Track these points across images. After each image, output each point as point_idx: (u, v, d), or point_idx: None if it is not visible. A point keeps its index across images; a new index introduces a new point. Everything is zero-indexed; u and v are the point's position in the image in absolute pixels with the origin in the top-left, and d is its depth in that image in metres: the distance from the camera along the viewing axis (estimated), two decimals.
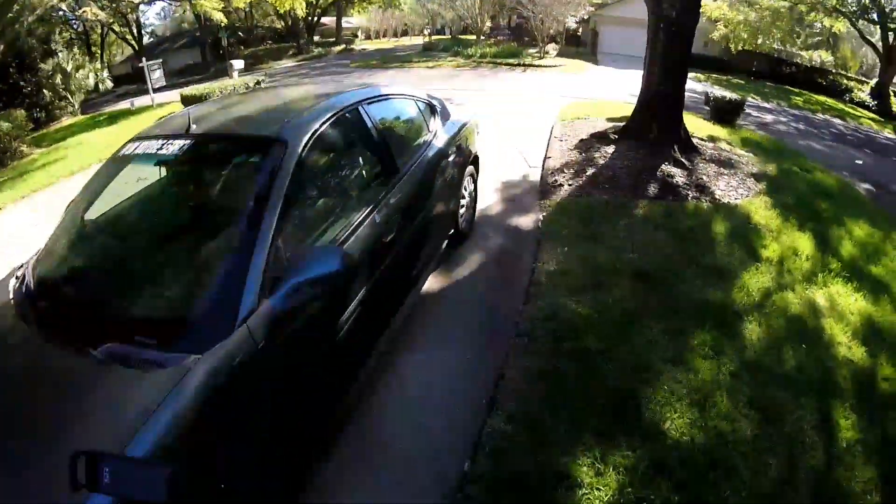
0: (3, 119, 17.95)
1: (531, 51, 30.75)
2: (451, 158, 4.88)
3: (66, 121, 27.44)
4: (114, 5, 30.21)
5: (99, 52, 49.35)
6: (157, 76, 22.57)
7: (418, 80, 19.80)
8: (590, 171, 8.22)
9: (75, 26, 40.63)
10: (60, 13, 28.41)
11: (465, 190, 5.55)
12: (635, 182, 7.69)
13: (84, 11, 28.81)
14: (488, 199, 7.43)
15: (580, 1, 30.12)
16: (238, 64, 19.99)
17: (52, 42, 28.92)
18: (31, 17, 23.26)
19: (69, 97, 28.20)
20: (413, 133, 4.63)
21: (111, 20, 40.35)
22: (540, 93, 16.48)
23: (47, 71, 27.13)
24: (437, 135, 4.81)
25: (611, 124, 11.14)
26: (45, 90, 27.42)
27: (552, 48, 31.08)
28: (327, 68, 28.59)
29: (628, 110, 10.94)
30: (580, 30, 42.39)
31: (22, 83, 26.87)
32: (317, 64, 33.20)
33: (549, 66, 25.47)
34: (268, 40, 52.56)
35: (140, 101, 22.34)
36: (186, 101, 16.47)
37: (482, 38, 40.22)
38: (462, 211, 5.53)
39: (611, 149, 9.20)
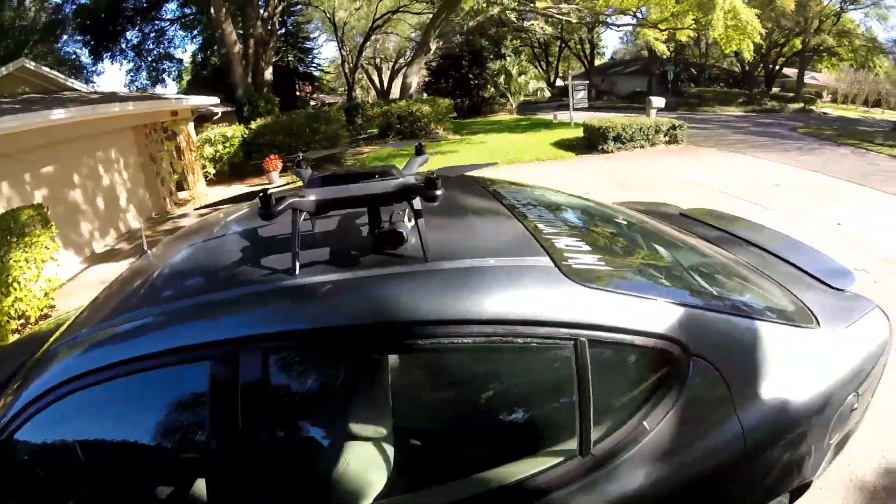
0: (428, 104, 21.54)
1: None
2: None
3: (500, 116, 31.31)
4: (562, 24, 32.40)
5: (555, 63, 54.66)
6: (579, 97, 24.17)
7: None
8: None
9: (539, 38, 45.19)
10: (514, 23, 31.67)
11: None
12: None
13: (532, 24, 31.81)
14: None
15: None
16: (658, 102, 19.23)
17: (503, 46, 33.59)
18: (472, 22, 26.73)
19: (509, 96, 32.41)
20: None
21: (568, 36, 44.20)
22: None
23: (494, 70, 31.50)
24: None
25: None
26: (489, 86, 31.88)
27: None
28: (770, 127, 25.91)
29: None
30: None
31: (471, 76, 31.57)
32: (762, 119, 30.30)
33: None
34: (720, 83, 50.80)
35: (563, 115, 24.07)
36: (589, 130, 16.79)
37: None
38: None
39: None
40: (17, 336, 6.59)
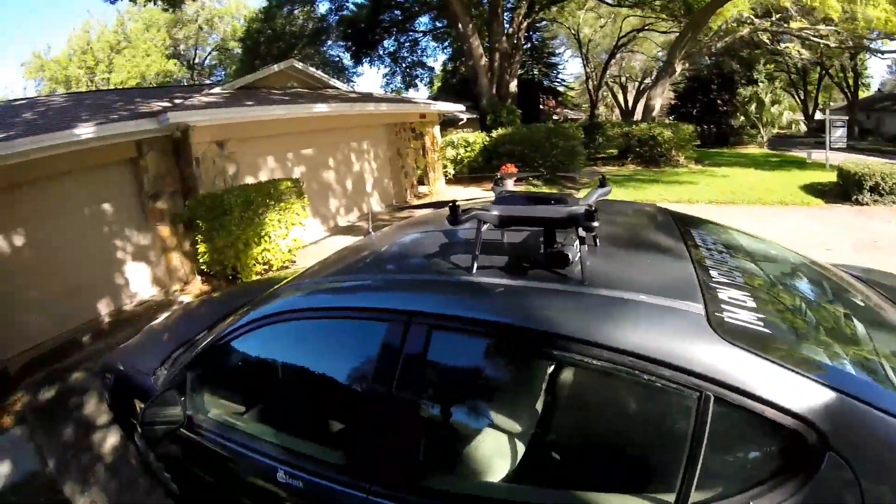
0: (670, 129, 20.92)
1: None
2: None
3: (748, 149, 29.45)
4: (820, 48, 29.40)
5: (814, 92, 49.96)
6: (838, 134, 21.51)
7: None
8: None
9: (796, 64, 41.58)
10: (767, 45, 29.56)
11: None
12: None
13: (787, 47, 29.34)
14: None
15: None
16: None
17: (755, 71, 31.22)
18: (720, 42, 25.63)
19: (759, 127, 30.39)
20: None
21: (829, 62, 40.33)
22: None
23: (744, 97, 29.69)
24: None
25: None
26: (738, 114, 30.29)
27: None
28: None
29: None
30: None
31: (719, 102, 30.20)
32: None
33: None
34: None
35: (818, 154, 21.77)
36: (842, 175, 14.37)
37: None
38: None
39: None
40: (257, 277, 8.31)
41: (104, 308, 8.86)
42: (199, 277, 9.60)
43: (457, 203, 2.33)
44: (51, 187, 8.19)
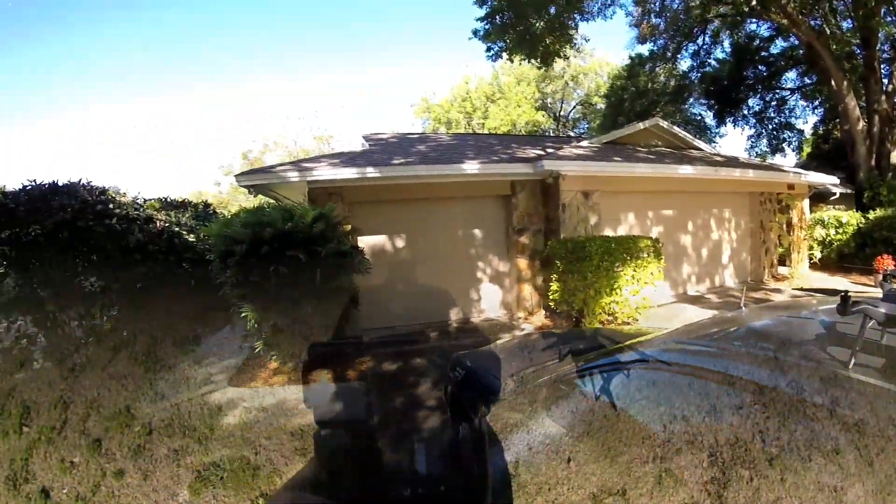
0: None
1: None
2: None
3: None
4: None
5: None
6: None
7: None
8: None
9: None
10: None
11: None
12: None
13: None
14: None
15: None
16: None
17: None
18: None
19: None
20: None
21: None
22: None
23: None
24: None
25: None
26: None
27: None
28: None
29: None
30: None
31: None
32: None
33: None
34: None
35: None
36: None
37: None
38: None
39: None
40: (599, 325, 8.79)
41: (454, 315, 10.48)
42: (543, 311, 10.47)
43: (849, 294, 2.46)
44: (436, 208, 10.11)
